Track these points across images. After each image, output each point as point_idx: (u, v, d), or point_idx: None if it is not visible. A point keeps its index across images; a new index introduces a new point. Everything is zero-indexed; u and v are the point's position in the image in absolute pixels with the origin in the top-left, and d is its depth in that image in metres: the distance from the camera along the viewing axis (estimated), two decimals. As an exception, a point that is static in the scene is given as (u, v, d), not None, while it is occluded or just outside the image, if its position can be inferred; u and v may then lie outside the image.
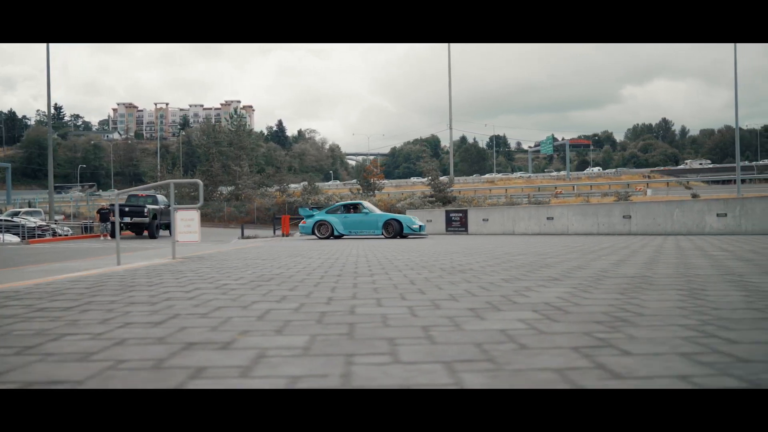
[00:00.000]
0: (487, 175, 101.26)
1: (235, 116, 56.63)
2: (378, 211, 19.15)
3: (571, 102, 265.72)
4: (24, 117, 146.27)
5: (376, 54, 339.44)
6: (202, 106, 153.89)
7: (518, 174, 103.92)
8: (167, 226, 26.99)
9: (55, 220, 32.82)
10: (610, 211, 19.41)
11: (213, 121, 73.78)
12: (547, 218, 20.92)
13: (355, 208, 18.80)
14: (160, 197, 27.49)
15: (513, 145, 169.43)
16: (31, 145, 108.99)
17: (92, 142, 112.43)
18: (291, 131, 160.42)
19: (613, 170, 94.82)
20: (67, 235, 26.07)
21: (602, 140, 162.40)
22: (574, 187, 52.04)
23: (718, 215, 16.75)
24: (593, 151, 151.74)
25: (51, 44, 33.34)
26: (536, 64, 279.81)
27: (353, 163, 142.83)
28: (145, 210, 24.11)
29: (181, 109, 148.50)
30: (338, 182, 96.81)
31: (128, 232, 25.37)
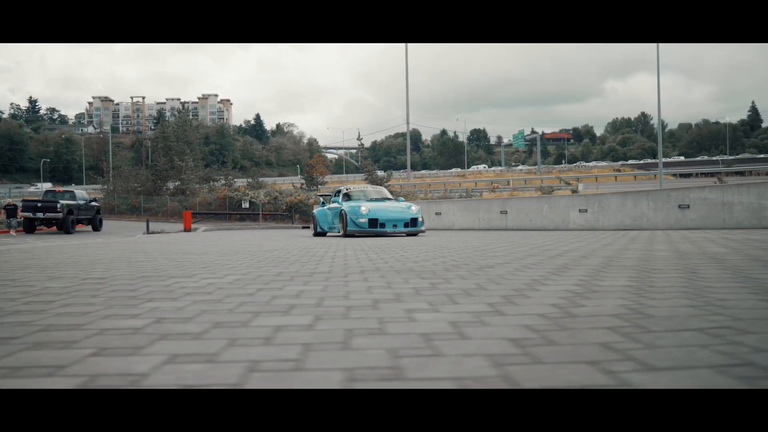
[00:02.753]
0: (454, 169, 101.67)
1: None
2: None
3: (554, 96, 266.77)
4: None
5: (356, 49, 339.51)
6: (179, 99, 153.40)
7: (486, 167, 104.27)
8: (89, 221, 27.21)
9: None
10: (489, 207, 19.72)
11: (190, 115, 73.69)
12: (436, 213, 21.26)
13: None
14: (80, 193, 27.56)
15: (494, 139, 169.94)
16: (1, 140, 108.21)
17: (63, 136, 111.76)
18: (273, 125, 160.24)
19: (591, 163, 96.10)
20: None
21: (582, 134, 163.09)
22: (509, 181, 52.44)
23: (580, 211, 17.15)
24: (572, 144, 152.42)
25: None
26: (516, 58, 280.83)
27: (333, 156, 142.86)
28: (58, 206, 24.20)
29: (158, 103, 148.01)
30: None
31: (43, 228, 25.51)
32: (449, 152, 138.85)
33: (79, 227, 27.36)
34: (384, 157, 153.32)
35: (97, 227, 27.80)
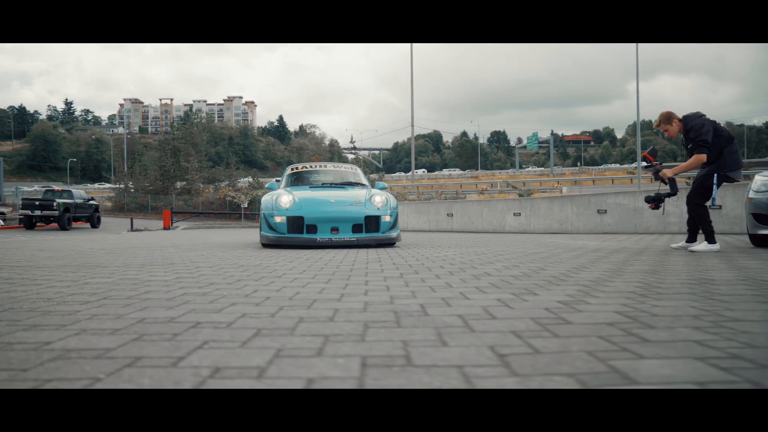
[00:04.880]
0: (454, 171, 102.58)
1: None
2: None
3: (576, 98, 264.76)
4: (36, 112, 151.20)
5: (379, 50, 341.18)
6: (205, 101, 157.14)
7: (503, 170, 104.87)
8: (88, 219, 29.24)
9: (0, 212, 35.16)
10: (437, 210, 20.70)
11: (198, 118, 76.44)
12: (392, 215, 22.24)
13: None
14: (77, 192, 29.58)
15: (514, 141, 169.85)
16: (37, 140, 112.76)
17: (94, 137, 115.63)
18: (296, 126, 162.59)
19: (601, 166, 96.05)
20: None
21: (603, 136, 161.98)
22: (497, 183, 53.23)
23: (514, 214, 17.92)
24: (592, 147, 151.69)
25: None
26: (538, 60, 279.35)
27: (353, 157, 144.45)
28: (54, 204, 26.13)
29: (185, 105, 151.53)
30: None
31: (42, 224, 27.51)
32: (467, 154, 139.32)
33: (78, 224, 29.38)
34: (405, 158, 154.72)
35: (95, 224, 29.77)
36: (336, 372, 1.37)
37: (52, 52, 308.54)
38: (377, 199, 8.03)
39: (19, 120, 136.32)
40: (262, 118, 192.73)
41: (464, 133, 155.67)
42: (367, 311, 2.32)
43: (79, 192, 30.41)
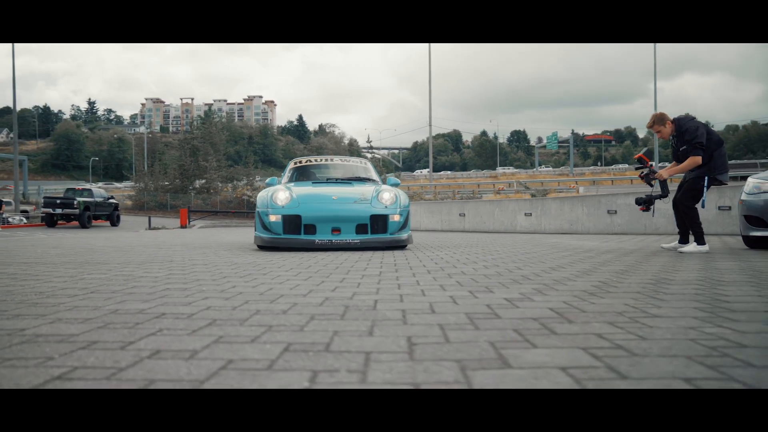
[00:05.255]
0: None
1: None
2: None
3: (598, 97, 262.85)
4: (59, 111, 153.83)
5: (398, 50, 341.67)
6: (225, 101, 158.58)
7: (523, 169, 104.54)
8: (107, 217, 29.81)
9: (24, 210, 35.88)
10: (450, 209, 20.80)
11: (217, 117, 77.42)
12: (407, 214, 22.39)
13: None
14: (98, 191, 30.16)
15: (534, 140, 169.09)
16: (60, 139, 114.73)
17: (116, 136, 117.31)
18: (315, 126, 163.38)
19: (621, 166, 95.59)
20: (10, 224, 28.91)
21: (624, 136, 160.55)
22: (513, 183, 53.14)
23: (525, 215, 17.97)
24: (613, 146, 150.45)
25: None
26: (559, 59, 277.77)
27: (376, 156, 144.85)
28: (75, 202, 26.71)
29: (205, 104, 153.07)
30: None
31: (63, 222, 28.08)
32: (487, 153, 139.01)
33: (99, 222, 29.94)
34: (425, 158, 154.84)
35: (114, 222, 30.34)
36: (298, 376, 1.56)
37: (75, 53, 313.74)
38: (385, 196, 7.18)
39: (43, 119, 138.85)
40: (282, 118, 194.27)
41: (484, 133, 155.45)
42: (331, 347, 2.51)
43: (99, 191, 31.00)
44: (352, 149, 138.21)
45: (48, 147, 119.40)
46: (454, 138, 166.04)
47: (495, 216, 19.23)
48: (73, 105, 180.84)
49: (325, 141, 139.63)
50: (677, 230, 6.74)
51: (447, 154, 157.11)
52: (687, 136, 6.17)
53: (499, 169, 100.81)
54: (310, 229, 6.83)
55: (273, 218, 6.87)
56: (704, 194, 6.28)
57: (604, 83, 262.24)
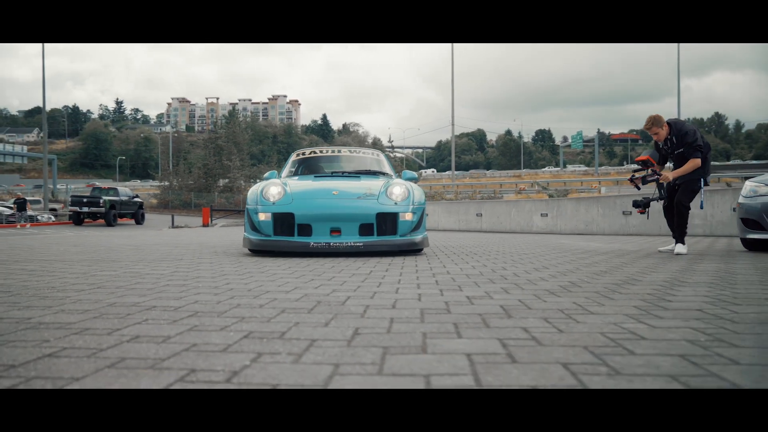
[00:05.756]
0: (548, 168, 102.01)
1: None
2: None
3: (625, 95, 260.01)
4: (88, 111, 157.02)
5: (421, 49, 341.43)
6: (250, 100, 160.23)
7: (547, 169, 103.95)
8: (132, 215, 30.51)
9: (52, 208, 36.80)
10: (467, 210, 21.00)
11: (260, 115, 78.57)
12: (425, 214, 22.64)
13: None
14: (123, 190, 30.89)
15: (559, 140, 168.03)
16: (89, 138, 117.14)
17: (142, 135, 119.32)
18: (339, 125, 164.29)
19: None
20: (39, 222, 29.72)
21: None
22: (534, 183, 52.85)
23: (542, 215, 18.11)
24: (640, 145, 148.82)
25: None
26: (584, 57, 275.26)
27: (398, 155, 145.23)
28: (101, 201, 27.41)
29: (230, 103, 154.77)
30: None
31: (90, 220, 28.79)
32: (511, 152, 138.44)
33: (124, 221, 30.64)
34: (448, 157, 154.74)
35: (139, 221, 31.03)
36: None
37: (102, 53, 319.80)
38: (396, 191, 6.24)
39: (72, 119, 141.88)
40: (306, 117, 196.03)
41: (508, 132, 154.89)
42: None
43: (125, 189, 31.70)
44: (376, 148, 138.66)
45: (77, 146, 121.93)
46: (479, 137, 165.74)
47: (512, 216, 19.37)
48: (101, 105, 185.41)
49: (349, 140, 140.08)
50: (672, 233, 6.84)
51: (471, 153, 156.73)
52: (688, 138, 6.30)
53: (537, 170, 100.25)
54: (305, 229, 5.94)
55: (262, 217, 6.01)
56: (702, 196, 6.45)
57: (632, 81, 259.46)
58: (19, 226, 25.53)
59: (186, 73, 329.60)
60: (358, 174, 7.20)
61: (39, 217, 31.22)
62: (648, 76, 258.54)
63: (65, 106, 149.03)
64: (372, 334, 2.01)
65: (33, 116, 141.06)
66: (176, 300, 2.81)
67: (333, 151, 8.29)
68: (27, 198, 31.79)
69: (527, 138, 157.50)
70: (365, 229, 5.98)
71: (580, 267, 4.74)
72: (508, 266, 4.81)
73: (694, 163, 6.30)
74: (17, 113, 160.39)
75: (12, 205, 30.07)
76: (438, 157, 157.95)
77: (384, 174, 7.43)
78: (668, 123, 6.49)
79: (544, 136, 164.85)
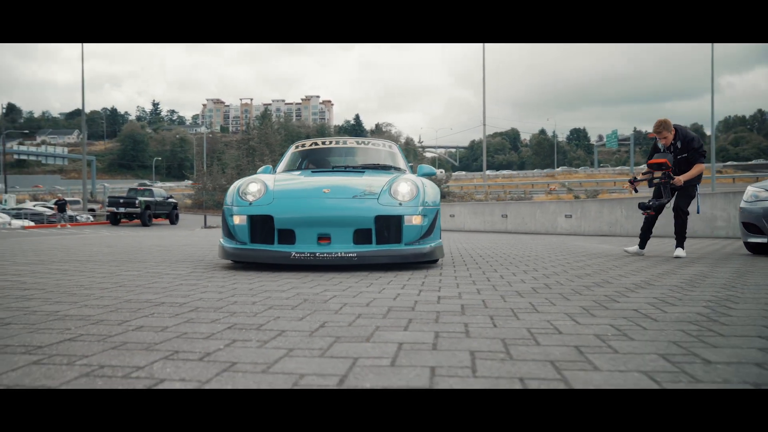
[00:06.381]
0: (546, 170, 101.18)
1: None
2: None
3: (663, 93, 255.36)
4: (126, 112, 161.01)
5: (454, 47, 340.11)
6: (283, 101, 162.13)
7: (581, 169, 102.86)
8: (167, 216, 31.47)
9: (90, 209, 38.00)
10: (492, 211, 21.31)
11: (293, 116, 79.80)
12: (450, 216, 23.01)
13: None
14: (158, 190, 31.86)
15: (594, 139, 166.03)
16: (126, 139, 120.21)
17: (178, 136, 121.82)
18: (372, 125, 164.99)
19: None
20: (78, 222, 30.79)
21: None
22: (562, 184, 52.47)
23: (566, 216, 18.34)
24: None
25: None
26: (620, 54, 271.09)
27: (431, 155, 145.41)
28: (137, 201, 28.38)
29: (264, 104, 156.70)
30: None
31: (126, 220, 29.79)
32: (545, 152, 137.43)
33: (159, 221, 31.59)
34: (482, 156, 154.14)
35: (173, 221, 31.94)
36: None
37: (139, 55, 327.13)
38: (402, 189, 5.20)
39: (111, 121, 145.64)
40: (339, 117, 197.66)
41: (542, 131, 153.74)
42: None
43: (160, 191, 32.66)
44: (408, 148, 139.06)
45: (115, 147, 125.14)
46: (512, 136, 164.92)
47: (536, 218, 19.60)
48: (138, 106, 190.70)
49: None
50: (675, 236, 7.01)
51: (504, 152, 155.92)
52: (694, 144, 6.56)
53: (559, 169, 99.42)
54: (287, 236, 4.96)
55: (237, 220, 5.07)
56: (699, 200, 6.70)
57: (669, 78, 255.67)
58: (59, 226, 26.55)
59: (220, 75, 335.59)
60: (363, 169, 6.21)
61: (78, 218, 32.37)
62: (686, 72, 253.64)
63: (104, 108, 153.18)
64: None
65: (73, 118, 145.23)
66: (183, 297, 3.24)
67: (337, 143, 7.24)
68: (67, 199, 33.02)
69: (562, 137, 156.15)
70: (362, 236, 4.96)
71: (569, 269, 5.05)
72: (508, 263, 5.15)
73: (700, 168, 6.55)
74: (58, 115, 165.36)
75: (53, 206, 31.26)
76: (471, 157, 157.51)
77: (396, 169, 6.43)
78: (675, 128, 6.72)
79: (579, 135, 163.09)
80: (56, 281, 4.08)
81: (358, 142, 7.22)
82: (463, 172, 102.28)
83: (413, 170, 6.70)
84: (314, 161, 6.83)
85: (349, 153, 7.04)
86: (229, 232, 5.17)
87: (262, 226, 5.01)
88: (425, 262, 5.29)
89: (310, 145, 7.16)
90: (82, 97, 37.44)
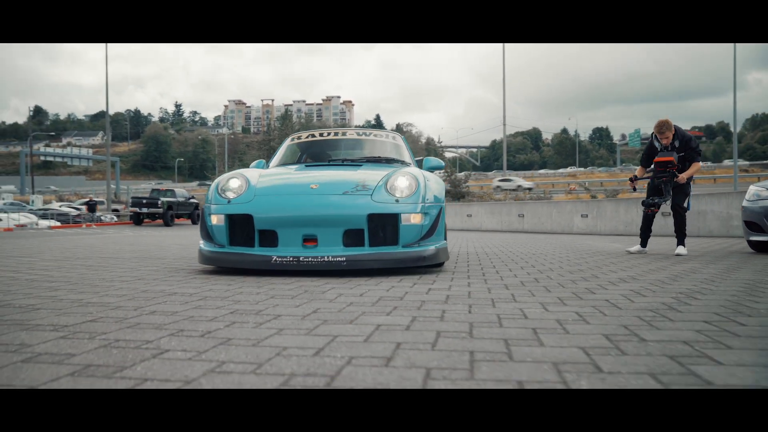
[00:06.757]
0: (569, 169, 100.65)
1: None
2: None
3: (688, 90, 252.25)
4: (149, 114, 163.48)
5: (475, 47, 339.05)
6: (304, 101, 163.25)
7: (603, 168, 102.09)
8: (189, 216, 32.10)
9: (115, 209, 38.83)
10: (509, 210, 21.44)
11: (314, 116, 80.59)
12: (467, 216, 23.17)
13: None
14: (180, 191, 32.49)
15: (617, 137, 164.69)
16: (149, 141, 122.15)
17: (200, 137, 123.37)
18: (393, 125, 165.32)
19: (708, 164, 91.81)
20: (102, 222, 31.50)
21: (716, 131, 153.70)
22: (579, 184, 52.19)
23: (582, 216, 18.43)
24: (704, 143, 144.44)
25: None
26: (644, 52, 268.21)
27: (451, 155, 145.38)
28: (159, 202, 29.00)
29: (285, 105, 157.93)
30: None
31: (149, 220, 30.44)
32: (567, 151, 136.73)
33: (181, 221, 32.20)
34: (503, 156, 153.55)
35: (195, 221, 32.55)
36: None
37: (162, 57, 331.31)
38: (400, 183, 4.67)
39: (134, 122, 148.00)
40: (360, 117, 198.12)
41: (564, 130, 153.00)
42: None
43: (182, 191, 33.28)
44: (429, 148, 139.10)
45: (138, 148, 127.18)
46: (534, 136, 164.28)
47: (552, 217, 19.69)
48: (161, 108, 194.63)
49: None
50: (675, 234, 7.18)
51: (526, 152, 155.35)
52: (692, 144, 6.79)
53: (575, 169, 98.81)
54: (269, 237, 4.48)
55: (215, 220, 4.62)
56: (690, 198, 6.90)
57: (694, 76, 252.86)
58: (84, 226, 27.26)
59: (242, 76, 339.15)
60: (362, 162, 5.75)
61: (102, 218, 33.08)
62: (712, 69, 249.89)
63: (127, 110, 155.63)
64: None
65: (98, 120, 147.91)
66: (194, 289, 3.55)
67: (336, 134, 6.76)
68: (96, 201, 33.90)
69: (584, 136, 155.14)
70: (353, 238, 4.46)
71: (566, 264, 5.29)
72: (507, 258, 5.40)
73: (698, 166, 6.77)
74: (83, 117, 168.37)
75: (79, 207, 32.09)
76: (492, 157, 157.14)
77: (401, 163, 5.95)
78: (674, 128, 6.93)
79: (601, 134, 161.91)
80: (80, 275, 4.42)
81: (359, 134, 6.76)
82: (485, 172, 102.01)
83: (420, 165, 6.28)
84: (312, 154, 6.30)
85: (349, 145, 6.55)
86: (207, 233, 4.70)
87: (242, 226, 4.54)
88: (427, 266, 4.79)
89: (307, 136, 6.67)
90: (106, 99, 38.24)
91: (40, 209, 32.54)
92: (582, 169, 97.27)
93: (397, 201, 4.52)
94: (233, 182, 4.84)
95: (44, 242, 10.63)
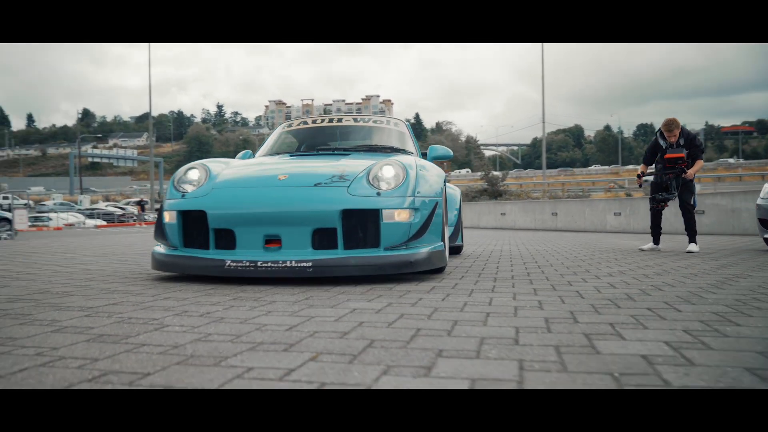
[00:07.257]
0: (612, 166, 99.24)
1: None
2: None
3: (738, 84, 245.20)
4: (191, 115, 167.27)
5: (515, 44, 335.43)
6: (344, 101, 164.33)
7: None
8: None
9: (158, 208, 40.24)
10: (542, 209, 21.44)
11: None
12: (501, 214, 23.24)
13: None
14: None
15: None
16: (192, 141, 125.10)
17: (241, 137, 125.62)
18: (433, 123, 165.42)
19: (758, 161, 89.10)
20: (146, 221, 32.60)
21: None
22: (615, 183, 51.42)
23: (615, 214, 18.34)
24: (755, 138, 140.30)
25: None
26: (691, 46, 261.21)
27: (493, 154, 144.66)
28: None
29: (325, 105, 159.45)
30: (467, 171, 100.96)
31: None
32: (609, 148, 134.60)
33: None
34: (545, 154, 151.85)
35: None
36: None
37: (204, 59, 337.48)
38: (385, 173, 3.94)
39: (177, 123, 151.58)
40: (399, 115, 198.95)
41: (607, 127, 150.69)
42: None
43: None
44: (470, 146, 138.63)
45: (181, 149, 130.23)
46: (576, 133, 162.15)
47: (585, 215, 19.64)
48: (203, 109, 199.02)
49: (442, 138, 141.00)
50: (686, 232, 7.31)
51: (568, 149, 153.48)
52: (697, 142, 7.01)
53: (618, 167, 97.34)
54: (225, 237, 3.87)
55: (167, 217, 4.04)
56: (695, 194, 7.08)
57: (746, 68, 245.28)
58: (138, 225, 28.42)
59: (282, 76, 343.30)
60: (347, 152, 5.12)
61: (146, 216, 34.25)
62: (764, 62, 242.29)
63: (171, 111, 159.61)
64: None
65: (143, 121, 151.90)
66: (211, 279, 3.97)
67: (330, 121, 6.16)
68: (143, 201, 35.39)
69: (628, 133, 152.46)
70: (324, 238, 3.79)
71: (574, 260, 5.54)
72: (515, 259, 5.69)
73: (701, 163, 6.96)
74: (129, 119, 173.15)
75: (123, 206, 33.35)
76: (534, 154, 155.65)
77: (402, 152, 5.36)
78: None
79: (646, 131, 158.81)
80: (114, 269, 4.90)
81: (356, 120, 6.11)
82: (513, 171, 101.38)
83: (426, 157, 5.87)
84: (303, 143, 5.74)
85: (346, 133, 5.93)
86: (162, 232, 4.09)
87: (192, 224, 3.94)
88: (417, 272, 4.04)
89: (299, 124, 6.10)
90: (149, 101, 39.46)
91: (87, 209, 33.91)
92: (628, 167, 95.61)
93: (378, 194, 3.79)
94: (192, 173, 4.19)
95: (88, 240, 11.33)
